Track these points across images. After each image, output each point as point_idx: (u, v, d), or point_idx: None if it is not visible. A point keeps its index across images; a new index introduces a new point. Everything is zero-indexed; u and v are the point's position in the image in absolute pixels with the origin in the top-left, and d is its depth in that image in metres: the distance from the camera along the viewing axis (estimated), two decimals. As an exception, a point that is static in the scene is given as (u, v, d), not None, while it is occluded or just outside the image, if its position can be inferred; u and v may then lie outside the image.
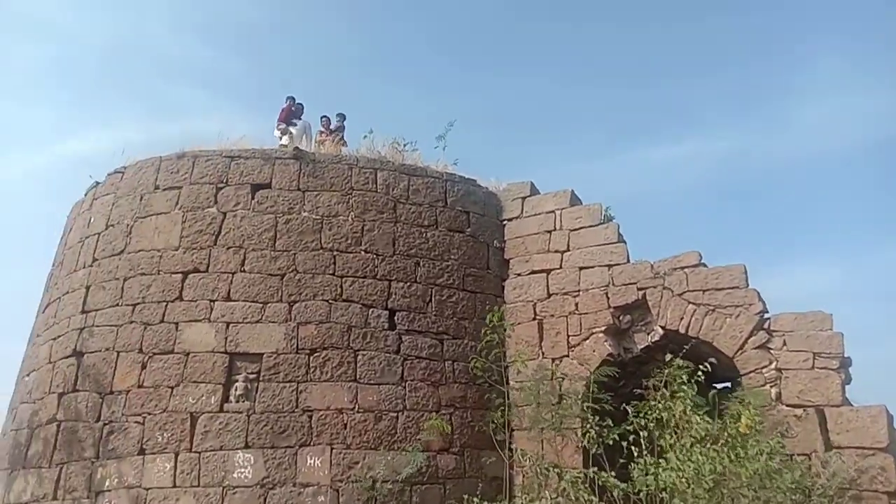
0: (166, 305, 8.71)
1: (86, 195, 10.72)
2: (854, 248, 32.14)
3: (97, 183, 10.54)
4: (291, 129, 11.84)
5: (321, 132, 12.23)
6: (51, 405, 8.85)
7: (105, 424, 8.34)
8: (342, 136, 12.14)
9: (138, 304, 8.83)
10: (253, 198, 9.23)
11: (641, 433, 6.72)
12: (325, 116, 12.49)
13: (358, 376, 8.46)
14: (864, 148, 32.84)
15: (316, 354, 8.45)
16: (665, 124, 39.05)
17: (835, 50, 33.15)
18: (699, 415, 6.48)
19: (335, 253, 9.03)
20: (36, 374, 9.54)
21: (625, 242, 9.22)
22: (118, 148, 21.15)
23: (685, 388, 6.67)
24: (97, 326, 8.96)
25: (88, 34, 37.14)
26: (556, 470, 7.12)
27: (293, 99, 12.27)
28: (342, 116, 12.47)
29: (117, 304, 8.96)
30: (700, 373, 6.87)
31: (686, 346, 7.49)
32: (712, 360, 7.02)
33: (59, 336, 9.35)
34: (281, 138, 11.73)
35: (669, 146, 37.70)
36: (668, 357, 7.22)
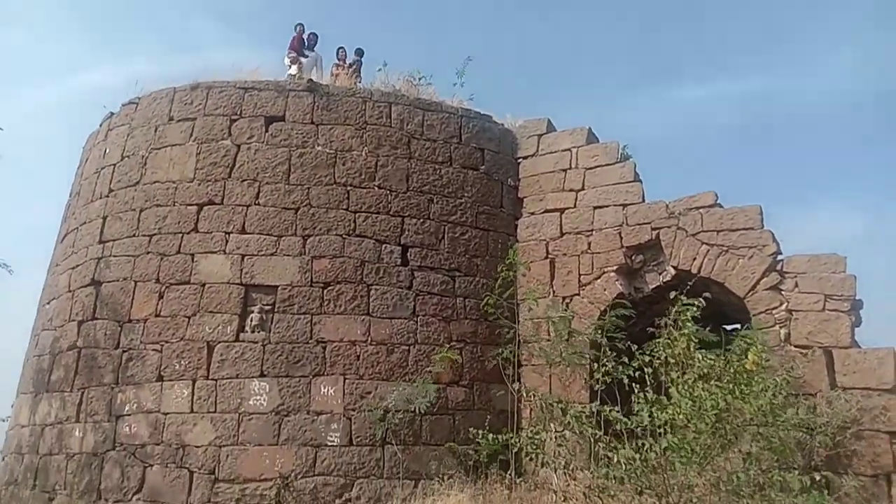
0: (182, 237, 8.80)
1: (101, 126, 10.72)
2: (878, 195, 31.58)
3: (112, 114, 10.52)
4: (302, 59, 11.61)
5: (336, 65, 12.00)
6: (71, 332, 9.08)
7: (124, 352, 8.56)
8: (358, 71, 11.91)
9: (154, 234, 8.93)
10: (267, 130, 9.20)
11: (646, 370, 6.79)
12: (341, 48, 12.16)
13: (371, 310, 8.59)
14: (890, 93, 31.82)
15: (329, 288, 8.56)
16: (688, 65, 38.12)
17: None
18: (701, 352, 6.53)
19: (349, 188, 9.03)
20: (56, 303, 9.75)
21: (641, 182, 9.15)
22: (132, 80, 20.95)
23: (688, 324, 6.70)
24: (114, 256, 9.10)
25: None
26: (560, 405, 7.25)
27: (302, 26, 11.90)
28: (360, 51, 12.13)
29: (134, 235, 9.07)
30: (699, 309, 6.87)
31: (689, 284, 7.48)
32: (707, 294, 7.04)
33: (78, 265, 9.51)
34: (290, 67, 11.48)
35: (693, 87, 36.91)
36: (673, 295, 7.21)
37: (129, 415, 8.29)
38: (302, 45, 11.78)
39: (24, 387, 9.85)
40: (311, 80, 9.82)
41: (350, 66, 11.89)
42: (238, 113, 9.30)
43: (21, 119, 34.96)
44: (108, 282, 9.00)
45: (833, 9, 32.92)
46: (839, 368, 7.25)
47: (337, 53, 12.10)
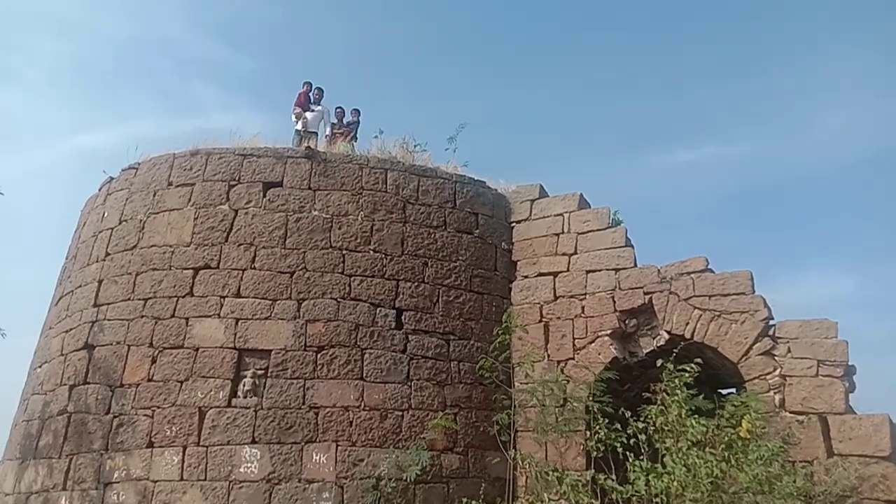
0: (177, 300, 8.83)
1: (100, 190, 10.87)
2: (868, 257, 31.89)
3: (111, 178, 10.69)
4: (307, 114, 11.94)
5: (333, 124, 12.33)
6: (61, 397, 8.99)
7: (114, 417, 8.47)
8: (355, 133, 12.20)
9: (149, 298, 8.96)
10: (265, 196, 9.34)
11: (640, 437, 6.76)
12: (339, 107, 12.57)
13: (364, 374, 8.55)
14: (878, 156, 32.60)
15: (323, 352, 8.55)
16: (679, 130, 38.99)
17: (853, 56, 32.92)
18: (694, 418, 6.52)
19: (344, 252, 9.12)
20: (48, 366, 9.69)
21: (632, 246, 9.27)
22: (132, 143, 21.36)
23: (678, 392, 6.71)
24: (108, 320, 9.10)
25: (105, 30, 37.45)
26: (556, 473, 7.17)
27: (310, 84, 12.35)
28: (357, 112, 12.52)
29: (129, 299, 9.09)
30: (692, 376, 6.89)
31: (675, 350, 7.52)
32: (698, 360, 7.05)
33: (71, 329, 9.50)
34: (297, 123, 11.83)
35: (683, 151, 37.64)
36: (659, 362, 7.24)
37: (118, 482, 8.13)
38: (308, 101, 12.17)
39: (10, 453, 9.68)
40: (308, 147, 10.05)
41: (346, 125, 12.21)
42: (237, 178, 9.47)
43: (19, 178, 35.39)
44: (102, 345, 8.97)
45: (821, 76, 33.97)
46: (835, 435, 7.20)
47: (335, 112, 12.46)
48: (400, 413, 8.51)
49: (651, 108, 38.22)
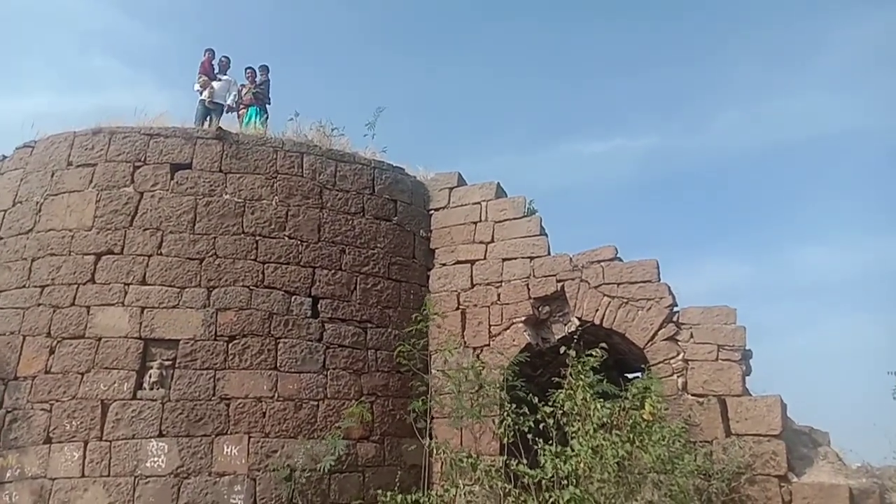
0: (77, 288, 8.36)
1: (-10, 170, 10.12)
2: (762, 246, 33.86)
3: (3, 157, 9.96)
4: (214, 83, 11.44)
5: (243, 86, 11.91)
6: (-52, 391, 8.39)
7: (7, 412, 8.00)
8: (267, 91, 11.81)
9: (47, 285, 8.45)
10: (172, 178, 8.94)
11: (549, 421, 6.94)
12: (249, 68, 12.11)
13: (278, 364, 8.38)
14: (775, 150, 34.59)
15: (235, 341, 8.31)
16: (589, 121, 40.13)
17: (751, 57, 34.71)
18: (598, 402, 6.74)
19: (258, 238, 8.87)
20: (-68, 359, 9.00)
21: (546, 235, 9.45)
22: (25, 120, 20.05)
23: (583, 376, 6.93)
24: (1, 308, 8.55)
25: (-1, -2, 34.74)
26: (469, 459, 7.27)
27: (212, 51, 11.74)
28: (266, 69, 12.03)
29: (24, 286, 8.56)
30: (598, 360, 7.11)
31: (576, 336, 7.75)
32: (603, 344, 7.29)
33: (-41, 318, 8.85)
34: (201, 93, 11.28)
35: (593, 142, 38.72)
36: (562, 349, 7.42)
37: (10, 482, 7.68)
38: (212, 70, 11.62)
39: None
40: (220, 127, 9.68)
41: (259, 85, 11.79)
42: (142, 159, 9.01)
43: None
44: (-7, 336, 8.42)
45: (718, 74, 35.68)
46: (732, 416, 7.61)
47: (245, 73, 12.02)
48: (315, 403, 8.40)
49: (563, 98, 39.06)
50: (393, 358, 9.00)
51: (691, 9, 36.43)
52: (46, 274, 8.51)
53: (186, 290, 8.40)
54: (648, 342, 8.24)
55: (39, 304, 8.38)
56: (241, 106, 11.70)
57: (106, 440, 7.72)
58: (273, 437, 8.04)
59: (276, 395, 8.23)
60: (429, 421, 8.73)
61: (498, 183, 10.07)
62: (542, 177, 33.89)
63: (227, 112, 11.78)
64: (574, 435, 6.70)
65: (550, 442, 6.84)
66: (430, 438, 8.32)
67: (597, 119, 39.86)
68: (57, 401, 7.90)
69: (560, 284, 8.98)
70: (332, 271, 9.11)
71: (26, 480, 7.62)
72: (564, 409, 6.91)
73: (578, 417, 6.84)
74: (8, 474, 7.69)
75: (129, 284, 8.35)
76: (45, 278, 8.50)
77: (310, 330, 8.70)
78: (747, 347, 7.90)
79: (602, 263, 8.81)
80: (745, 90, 34.85)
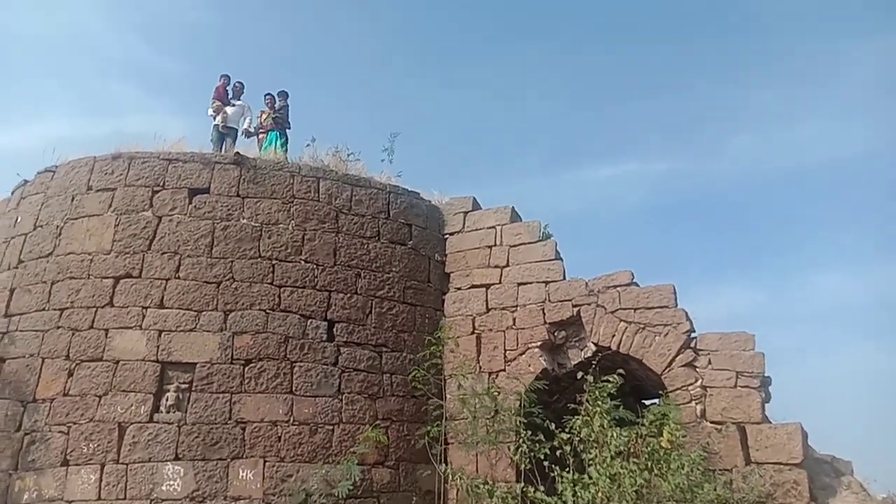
0: (96, 311, 8.43)
1: (12, 193, 10.29)
2: (778, 272, 33.59)
3: (25, 181, 10.13)
4: (227, 108, 11.56)
5: (262, 112, 12.04)
6: (-33, 414, 8.45)
7: (26, 434, 8.03)
8: (286, 117, 11.91)
9: (66, 308, 8.53)
10: (190, 202, 9.04)
11: (566, 448, 6.89)
12: (268, 94, 12.24)
13: (294, 388, 8.39)
14: (788, 175, 34.50)
15: (251, 365, 8.33)
16: (602, 145, 40.15)
17: (765, 81, 34.76)
18: (615, 430, 6.69)
19: (274, 262, 8.93)
20: (-48, 380, 9.08)
21: (561, 260, 9.45)
22: (48, 144, 20.39)
23: (599, 403, 6.88)
24: (21, 331, 8.62)
25: (14, 26, 35.46)
26: (486, 486, 7.21)
27: (228, 77, 11.91)
28: (285, 94, 12.16)
29: (43, 309, 8.64)
30: (615, 386, 7.07)
31: (594, 362, 7.70)
32: (620, 370, 7.24)
33: (-21, 341, 8.93)
34: (215, 118, 11.41)
35: (606, 167, 38.74)
36: (579, 375, 7.40)
37: (28, 503, 7.70)
38: (226, 95, 11.77)
39: None
40: (238, 152, 9.80)
41: (278, 110, 11.90)
42: (161, 184, 9.12)
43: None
44: (13, 358, 8.49)
45: (732, 99, 35.74)
46: (752, 444, 7.51)
47: (264, 99, 12.16)
48: (330, 427, 8.38)
49: (576, 122, 39.23)
50: (408, 382, 8.98)
51: (704, 34, 36.58)
52: (66, 297, 8.60)
53: (203, 313, 8.45)
54: (666, 368, 8.17)
55: (59, 327, 8.46)
56: (261, 131, 11.84)
57: (122, 463, 7.72)
58: (288, 462, 8.02)
59: (292, 419, 8.23)
60: (443, 446, 8.68)
61: (513, 207, 10.10)
62: (556, 201, 33.89)
63: (246, 137, 11.95)
64: (591, 462, 6.65)
65: (567, 469, 6.78)
66: (445, 464, 8.27)
67: (609, 143, 39.86)
68: (75, 423, 7.94)
69: (576, 309, 8.95)
70: (348, 295, 9.14)
71: (43, 502, 7.64)
72: (581, 436, 6.87)
73: (595, 444, 6.80)
74: (25, 496, 7.71)
75: (146, 308, 8.41)
76: (64, 301, 8.58)
77: (325, 354, 8.71)
78: (766, 374, 7.83)
79: (618, 288, 8.78)
80: (758, 115, 34.82)
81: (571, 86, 39.09)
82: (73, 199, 9.28)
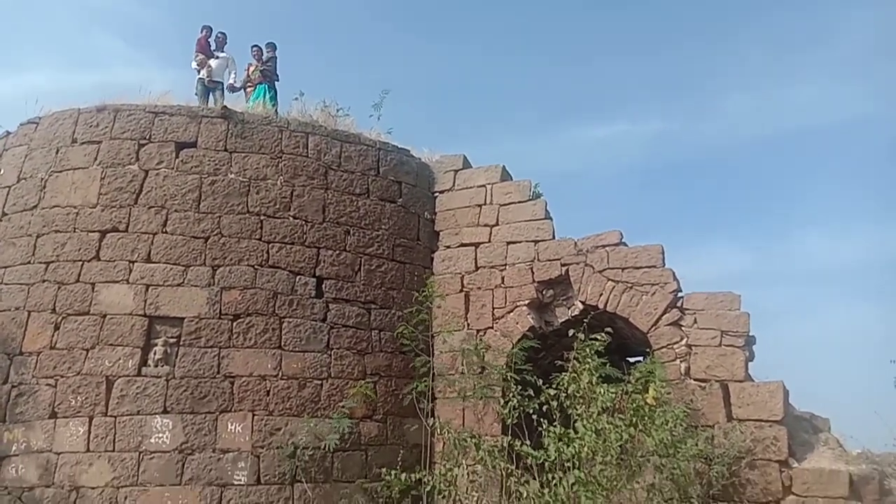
0: (82, 265, 8.37)
1: (-6, 145, 10.10)
2: (765, 233, 33.78)
3: (8, 133, 9.93)
4: (212, 61, 11.35)
5: (249, 65, 11.79)
6: (-47, 366, 8.43)
7: (13, 387, 8.04)
8: (274, 68, 11.68)
9: (52, 262, 8.46)
10: (177, 156, 8.91)
11: (553, 403, 6.98)
12: (255, 46, 11.83)
13: (283, 343, 8.42)
14: (781, 137, 34.44)
15: (240, 320, 8.34)
16: (594, 105, 39.82)
17: (761, 42, 34.42)
18: (602, 387, 6.77)
19: (262, 217, 8.86)
20: (-64, 333, 9.03)
21: (551, 219, 9.44)
22: (26, 96, 19.97)
23: (589, 360, 6.95)
24: (6, 284, 8.57)
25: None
26: (473, 439, 7.32)
27: (210, 28, 11.55)
28: (273, 46, 11.80)
29: (29, 262, 8.57)
30: (602, 345, 7.12)
31: (586, 320, 7.75)
32: (609, 329, 7.31)
33: (-37, 293, 8.86)
34: (199, 71, 11.19)
35: (597, 127, 38.50)
36: (570, 332, 7.45)
37: (16, 455, 7.75)
38: (209, 48, 11.51)
39: None
40: (225, 106, 9.64)
41: (265, 62, 11.65)
42: (147, 137, 8.97)
43: None
44: (-2, 311, 8.45)
45: (728, 59, 35.43)
46: (735, 401, 7.64)
47: (251, 51, 11.84)
48: (319, 382, 8.44)
49: (568, 81, 38.77)
50: (396, 338, 9.04)
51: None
52: (51, 250, 8.52)
53: (191, 268, 8.41)
54: (652, 327, 8.25)
55: (44, 281, 8.40)
56: (249, 84, 11.61)
57: (111, 416, 7.77)
58: (277, 416, 8.09)
59: (281, 373, 8.27)
60: (431, 401, 8.79)
61: (503, 166, 10.05)
62: (547, 161, 33.73)
63: (231, 92, 11.71)
64: (578, 418, 6.74)
65: (554, 424, 6.88)
66: (433, 418, 8.37)
67: (601, 103, 39.58)
68: (62, 376, 7.94)
69: (564, 268, 8.99)
70: (337, 252, 9.12)
71: (32, 454, 7.69)
72: (569, 392, 6.95)
73: (582, 401, 6.87)
74: (14, 448, 7.75)
75: (133, 262, 8.36)
76: (49, 255, 8.51)
77: (314, 310, 8.72)
78: (751, 333, 7.92)
79: (607, 248, 8.80)
80: (752, 76, 34.56)
81: (563, 43, 38.55)
82: (57, 152, 9.13)
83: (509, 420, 7.50)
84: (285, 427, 8.05)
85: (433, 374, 8.91)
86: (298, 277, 8.78)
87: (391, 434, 8.75)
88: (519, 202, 9.59)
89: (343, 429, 8.11)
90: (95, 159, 8.89)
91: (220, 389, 8.02)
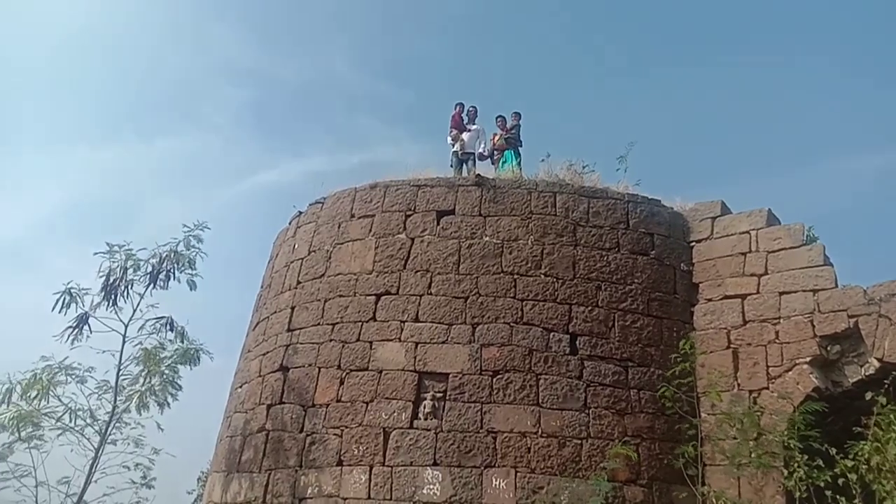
0: (361, 325, 9.32)
1: (290, 223, 11.83)
2: None
3: (300, 212, 11.60)
4: (464, 135, 12.21)
5: (494, 135, 12.49)
6: (260, 415, 9.76)
7: (307, 435, 9.03)
8: (518, 136, 12.22)
9: (337, 323, 9.53)
10: (438, 224, 9.67)
11: (851, 476, 6.07)
12: (500, 116, 12.67)
13: (540, 400, 8.47)
14: None
15: (499, 376, 8.59)
16: (860, 131, 35.19)
17: None
18: None
19: (515, 276, 9.16)
20: (247, 387, 10.58)
21: (832, 265, 8.44)
22: (306, 179, 23.31)
23: (894, 428, 5.94)
24: (301, 344, 9.80)
25: (279, 75, 41.06)
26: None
27: (462, 105, 12.56)
28: (518, 115, 12.53)
29: (318, 324, 9.73)
30: None
31: (887, 381, 6.65)
32: None
33: (268, 352, 10.32)
34: (453, 145, 12.11)
35: (868, 155, 33.85)
36: (869, 394, 6.46)
37: (311, 498, 8.63)
38: (462, 122, 12.44)
39: (216, 465, 10.65)
40: (478, 174, 10.29)
41: (510, 130, 12.26)
42: (412, 208, 9.90)
43: (212, 214, 39.56)
44: (295, 367, 9.66)
45: None
46: None
47: (496, 122, 12.60)
48: (578, 441, 8.31)
49: (818, 107, 34.74)
50: (657, 399, 8.61)
51: None
52: (336, 313, 9.62)
53: (454, 326, 8.92)
54: (975, 389, 6.87)
55: (331, 340, 9.47)
56: (496, 152, 12.31)
57: (388, 465, 8.36)
58: (539, 473, 8.08)
59: (540, 430, 8.29)
60: (700, 468, 8.15)
61: (769, 209, 9.26)
62: (810, 199, 30.31)
63: (481, 160, 12.51)
64: (887, 496, 5.78)
65: (855, 502, 5.99)
66: (705, 487, 7.74)
67: (870, 128, 34.86)
68: (347, 427, 8.79)
69: (853, 320, 7.91)
70: (589, 308, 9.05)
71: (323, 498, 8.53)
72: (871, 464, 6.02)
73: (890, 475, 5.90)
74: (309, 491, 8.67)
75: (404, 322, 9.11)
76: (335, 317, 9.61)
77: (569, 367, 8.68)
78: None
79: (906, 296, 7.60)
80: None
81: (809, 66, 34.88)
82: (339, 226, 10.42)
83: (797, 493, 6.67)
84: (547, 486, 7.99)
85: (700, 437, 8.28)
86: (552, 334, 8.84)
87: (658, 501, 8.23)
88: (791, 248, 8.73)
89: (605, 492, 7.82)
90: (370, 231, 9.98)
91: (483, 444, 8.26)
